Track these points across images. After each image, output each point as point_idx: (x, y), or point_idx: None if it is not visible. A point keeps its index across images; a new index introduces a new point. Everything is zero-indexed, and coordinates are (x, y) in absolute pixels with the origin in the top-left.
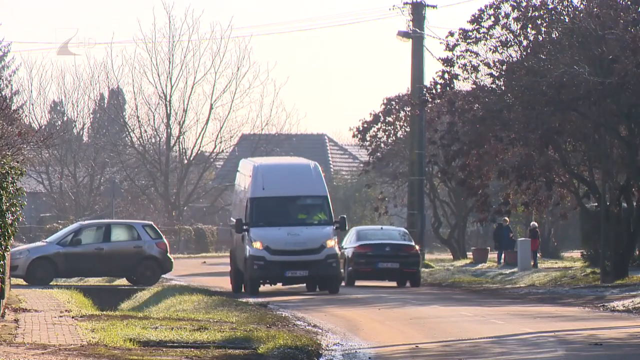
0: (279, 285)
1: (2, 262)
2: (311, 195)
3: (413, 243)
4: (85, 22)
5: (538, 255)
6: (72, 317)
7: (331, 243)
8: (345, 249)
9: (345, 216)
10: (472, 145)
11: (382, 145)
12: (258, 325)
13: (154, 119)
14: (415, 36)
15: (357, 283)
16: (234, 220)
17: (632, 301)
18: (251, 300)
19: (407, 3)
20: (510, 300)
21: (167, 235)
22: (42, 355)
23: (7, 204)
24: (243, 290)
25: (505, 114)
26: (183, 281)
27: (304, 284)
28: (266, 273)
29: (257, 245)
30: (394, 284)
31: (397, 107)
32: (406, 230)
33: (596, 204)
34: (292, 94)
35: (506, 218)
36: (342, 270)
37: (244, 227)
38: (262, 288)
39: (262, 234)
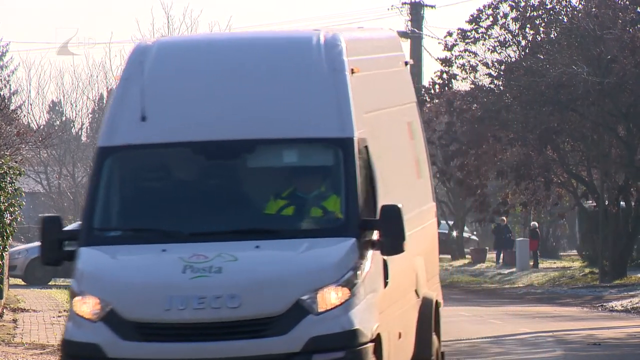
0: None
1: (0, 262)
2: (300, 139)
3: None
4: (85, 22)
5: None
6: None
7: (334, 295)
8: None
9: (399, 206)
10: (471, 145)
11: None
12: None
13: None
14: (414, 36)
15: None
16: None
17: (631, 301)
18: None
19: (405, 3)
20: (508, 300)
21: None
22: (40, 355)
23: (6, 204)
24: None
25: (504, 114)
26: None
27: None
28: None
29: (84, 308)
30: None
31: None
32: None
33: (595, 203)
34: None
35: (503, 218)
36: None
37: (65, 250)
38: None
39: (102, 272)
